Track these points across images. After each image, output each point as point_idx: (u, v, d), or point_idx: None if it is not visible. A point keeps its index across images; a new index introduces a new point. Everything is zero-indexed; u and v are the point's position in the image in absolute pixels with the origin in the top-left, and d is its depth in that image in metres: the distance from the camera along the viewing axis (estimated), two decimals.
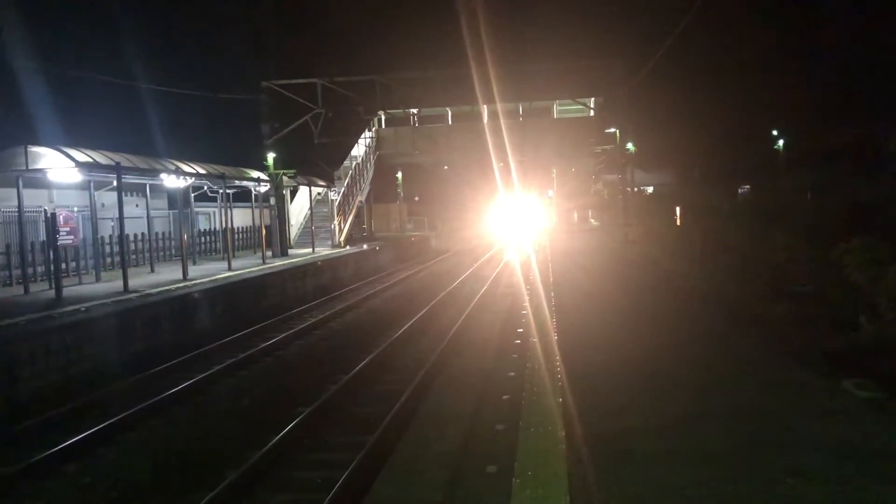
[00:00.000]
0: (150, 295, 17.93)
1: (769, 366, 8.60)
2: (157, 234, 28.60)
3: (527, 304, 15.53)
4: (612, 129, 41.22)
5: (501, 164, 45.23)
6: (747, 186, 45.06)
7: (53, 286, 18.20)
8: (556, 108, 47.58)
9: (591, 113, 43.95)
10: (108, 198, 25.39)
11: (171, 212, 31.17)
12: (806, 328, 10.82)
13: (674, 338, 10.47)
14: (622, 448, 5.87)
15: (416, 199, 54.82)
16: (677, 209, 25.35)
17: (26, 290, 19.12)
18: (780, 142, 57.91)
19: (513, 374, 8.57)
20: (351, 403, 11.35)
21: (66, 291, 18.10)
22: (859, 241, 8.98)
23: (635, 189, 47.07)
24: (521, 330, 11.93)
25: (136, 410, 11.18)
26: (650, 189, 57.70)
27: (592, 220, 54.90)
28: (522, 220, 54.00)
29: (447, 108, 44.62)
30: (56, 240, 18.17)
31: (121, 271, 19.78)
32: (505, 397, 7.53)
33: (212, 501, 7.47)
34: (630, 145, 40.97)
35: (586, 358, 9.24)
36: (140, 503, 7.96)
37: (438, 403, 8.23)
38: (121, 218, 19.54)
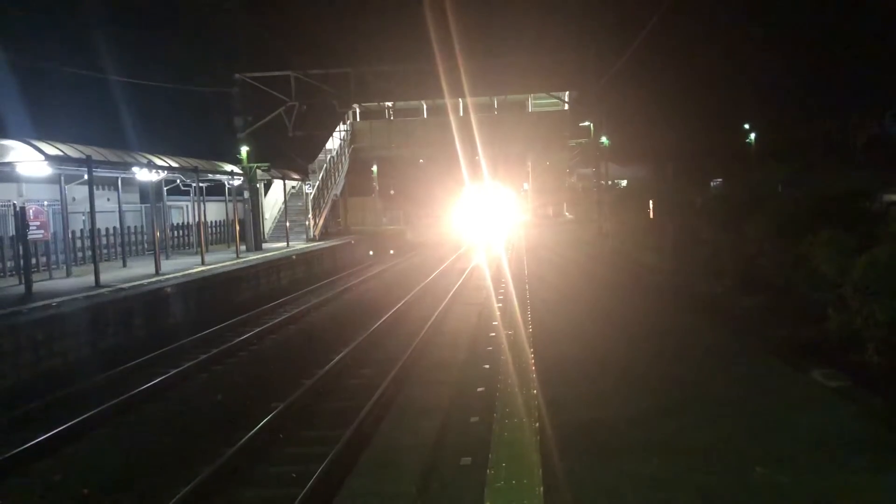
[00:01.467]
0: (122, 290, 17.73)
1: (740, 358, 8.72)
2: (129, 228, 28.24)
3: (502, 296, 15.58)
4: (586, 123, 41.41)
5: (477, 157, 45.27)
6: (720, 180, 45.55)
7: (23, 281, 17.92)
8: (531, 102, 47.72)
9: (566, 107, 44.14)
10: (79, 191, 25.02)
11: (143, 206, 30.79)
12: (776, 320, 10.98)
13: (646, 331, 10.58)
14: (595, 439, 5.93)
15: (392, 192, 54.64)
16: (650, 203, 25.53)
17: None
18: (752, 135, 58.58)
19: (487, 366, 8.60)
20: (325, 398, 11.32)
21: (37, 286, 17.86)
22: (826, 233, 9.13)
23: (609, 182, 47.32)
24: (495, 323, 11.97)
25: (108, 407, 11.05)
26: (624, 182, 58.06)
27: (567, 214, 55.14)
28: (498, 214, 54.10)
29: (422, 102, 44.55)
30: (26, 234, 17.88)
31: (92, 266, 19.53)
32: (479, 389, 7.55)
33: (185, 496, 7.41)
34: (604, 139, 41.18)
35: (559, 351, 9.32)
36: (110, 501, 7.86)
37: (414, 396, 8.23)
38: (92, 212, 19.28)
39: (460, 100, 43.86)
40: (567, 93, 43.54)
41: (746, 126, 58.73)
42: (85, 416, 10.56)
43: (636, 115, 48.83)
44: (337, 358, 13.33)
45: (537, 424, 6.24)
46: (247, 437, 9.12)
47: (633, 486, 4.97)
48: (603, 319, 11.80)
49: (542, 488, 4.91)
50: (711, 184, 44.73)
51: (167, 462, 8.88)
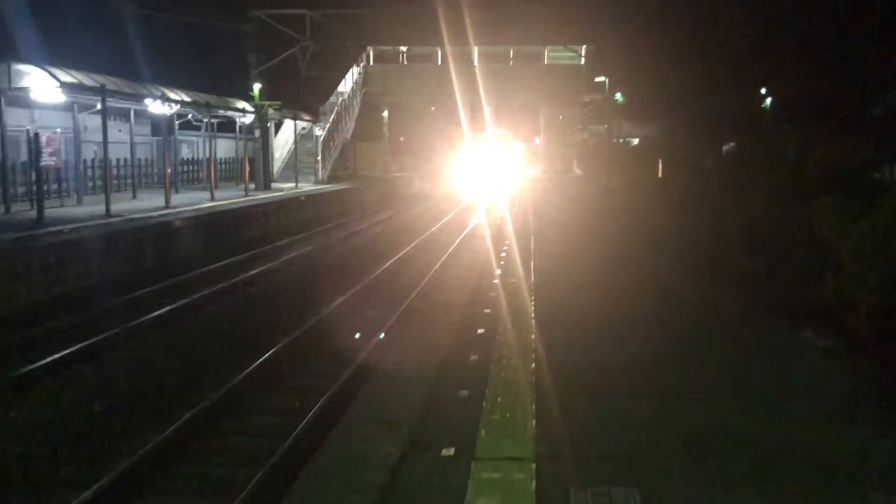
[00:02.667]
0: (132, 220, 18.00)
1: (736, 316, 8.96)
2: (139, 160, 28.40)
3: (506, 246, 15.79)
4: (602, 79, 41.05)
5: (490, 108, 45.04)
6: (733, 143, 45.21)
7: (35, 207, 18.16)
8: (548, 55, 47.21)
9: (582, 61, 43.73)
10: (91, 121, 25.07)
11: (154, 139, 30.86)
12: (775, 282, 11.16)
13: (645, 286, 10.82)
14: (588, 381, 6.20)
15: (402, 139, 54.45)
16: (659, 162, 25.53)
17: (7, 210, 19.09)
18: (768, 100, 57.95)
19: (488, 310, 8.86)
20: (328, 336, 11.61)
21: (48, 213, 18.10)
22: (829, 199, 9.27)
23: (621, 140, 47.11)
24: (498, 271, 12.20)
25: (119, 331, 11.37)
26: (636, 141, 57.73)
27: (577, 170, 55.00)
28: (508, 166, 53.96)
29: (437, 49, 44.15)
30: (39, 160, 18.08)
31: (102, 195, 19.76)
32: (480, 331, 7.82)
33: (189, 420, 7.72)
34: (618, 95, 40.88)
35: (558, 300, 9.56)
36: (121, 417, 8.19)
37: (416, 335, 8.50)
38: (104, 142, 19.45)
39: (475, 48, 43.46)
40: (584, 47, 43.08)
41: (763, 91, 58.09)
42: (95, 339, 10.88)
43: (652, 74, 48.27)
44: (341, 299, 13.60)
45: (533, 365, 6.51)
46: (253, 365, 9.42)
47: (621, 424, 5.25)
48: (604, 273, 12.03)
49: (534, 421, 5.18)
50: (724, 147, 44.49)
51: (176, 385, 9.21)
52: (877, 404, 5.59)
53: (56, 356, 9.97)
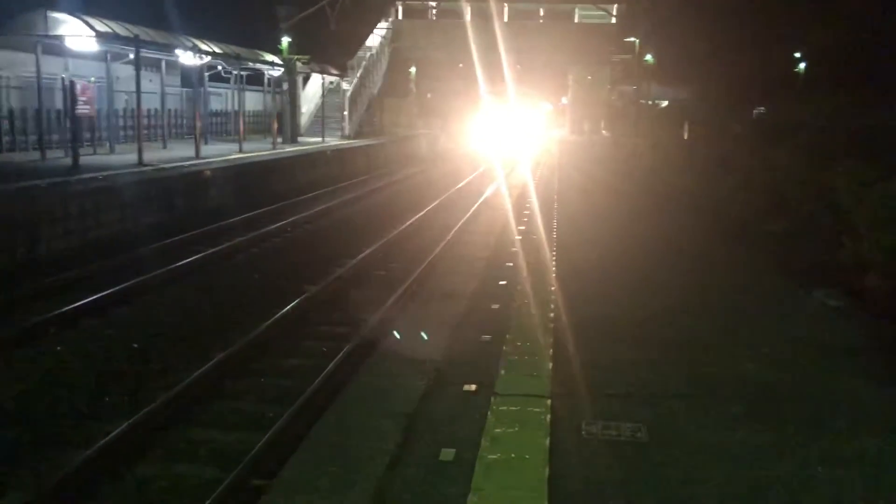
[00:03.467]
0: (163, 169, 18.39)
1: (753, 275, 9.20)
2: (169, 111, 28.75)
3: (529, 205, 15.99)
4: (632, 39, 40.59)
5: (519, 66, 44.71)
6: (762, 108, 44.62)
7: (70, 154, 18.60)
8: (578, 13, 46.68)
9: (613, 20, 43.21)
10: (123, 71, 25.40)
11: (183, 90, 31.19)
12: (795, 245, 11.34)
13: (665, 246, 11.05)
14: (604, 330, 6.51)
15: (429, 96, 54.29)
16: (685, 125, 25.45)
17: (43, 157, 19.55)
18: (802, 65, 56.90)
19: (510, 263, 9.15)
20: (355, 285, 11.98)
21: (83, 160, 18.48)
22: (849, 164, 9.39)
23: (650, 102, 46.74)
24: (521, 227, 12.45)
25: (152, 276, 11.81)
26: (665, 103, 57.10)
27: (604, 131, 54.66)
28: (535, 126, 53.72)
29: (467, 4, 43.78)
30: (75, 109, 18.46)
31: (134, 145, 20.16)
32: (502, 283, 8.12)
33: (227, 358, 8.13)
34: (649, 56, 40.47)
35: (579, 255, 9.84)
36: (157, 352, 8.63)
37: (441, 284, 8.80)
38: (137, 92, 19.78)
39: (505, 5, 43.06)
40: (615, 6, 42.53)
41: (797, 55, 57.01)
42: (131, 282, 11.34)
43: (683, 35, 47.61)
44: (368, 251, 13.92)
45: (552, 315, 6.81)
46: (280, 313, 9.80)
47: (633, 367, 5.56)
48: (626, 232, 12.27)
49: (551, 364, 5.50)
50: (754, 111, 43.97)
51: (208, 327, 9.64)
52: (878, 358, 5.84)
53: (95, 296, 10.43)
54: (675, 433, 4.48)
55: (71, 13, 19.45)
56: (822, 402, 5.03)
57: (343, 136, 36.95)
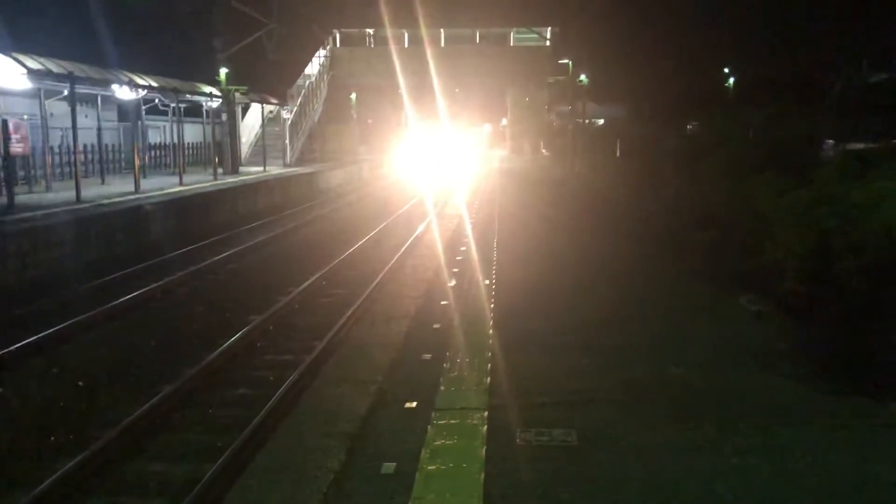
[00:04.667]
0: (102, 205, 18.23)
1: (679, 284, 9.67)
2: (106, 146, 28.43)
3: (470, 224, 16.35)
4: (566, 60, 41.63)
5: (457, 89, 45.40)
6: (696, 123, 46.02)
7: (5, 193, 18.30)
8: (514, 37, 47.68)
9: (547, 43, 44.25)
10: (58, 107, 25.09)
11: (120, 124, 30.88)
12: (721, 254, 11.90)
13: (598, 259, 11.51)
14: (538, 342, 6.82)
15: (370, 121, 54.63)
16: (617, 143, 26.27)
17: None
18: (731, 79, 59.00)
19: (453, 283, 9.43)
20: (301, 313, 12.09)
21: (18, 199, 18.21)
22: (767, 175, 9.95)
23: (587, 121, 47.84)
24: (462, 248, 12.76)
25: (95, 313, 11.73)
26: (601, 121, 58.52)
27: (544, 151, 55.69)
28: (475, 147, 54.45)
29: (404, 31, 44.37)
30: (8, 147, 18.18)
31: (70, 182, 19.92)
32: (443, 303, 8.38)
33: (169, 394, 8.18)
34: (582, 77, 41.54)
35: (517, 273, 10.18)
36: (103, 392, 8.62)
37: (385, 307, 9.02)
38: (74, 128, 19.57)
39: (442, 30, 43.78)
40: (549, 29, 43.61)
41: (726, 70, 59.10)
42: (74, 320, 11.24)
43: (616, 54, 49.03)
44: (312, 279, 14.02)
45: (490, 331, 7.10)
46: (227, 343, 9.87)
47: (565, 375, 5.87)
48: (563, 248, 12.69)
49: (489, 378, 5.77)
50: (688, 127, 45.38)
51: (154, 361, 9.64)
52: (793, 358, 6.28)
53: (36, 336, 10.33)
54: (602, 436, 4.78)
55: (2, 51, 19.21)
56: (739, 400, 5.42)
57: (285, 164, 36.95)
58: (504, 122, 63.98)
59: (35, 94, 22.11)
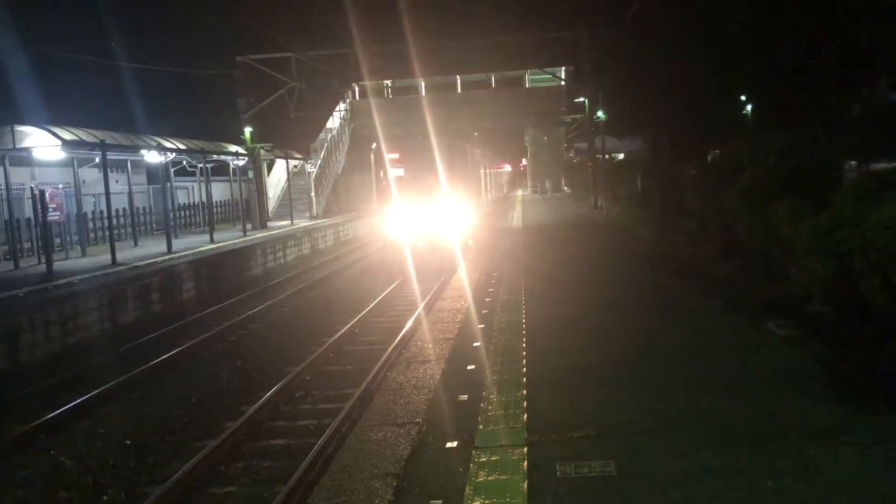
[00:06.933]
0: (138, 267, 18.72)
1: (707, 313, 9.79)
2: (137, 209, 29.23)
3: (496, 273, 16.53)
4: (582, 99, 42.13)
5: (475, 133, 45.99)
6: (717, 151, 46.08)
7: (44, 261, 18.89)
8: (528, 78, 48.42)
9: (562, 83, 44.86)
10: (89, 174, 25.98)
11: (150, 187, 31.76)
12: (748, 281, 12.01)
13: (628, 292, 11.64)
14: (572, 377, 6.98)
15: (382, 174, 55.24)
16: (638, 178, 26.50)
17: (16, 266, 19.79)
18: (749, 107, 59.18)
19: (486, 311, 9.61)
20: (336, 361, 12.35)
21: (56, 266, 18.80)
22: (788, 201, 10.09)
23: (607, 156, 48.13)
24: (491, 289, 12.97)
25: (138, 373, 12.07)
26: (621, 156, 58.83)
27: (565, 188, 56.05)
28: (498, 187, 54.86)
29: (420, 80, 45.26)
30: (46, 216, 18.82)
31: (105, 246, 20.53)
32: (476, 345, 8.56)
33: (220, 445, 8.42)
34: (600, 113, 41.96)
35: (548, 310, 10.35)
36: (151, 450, 8.88)
37: (415, 351, 9.21)
38: (107, 194, 20.21)
39: (458, 77, 44.61)
40: (563, 69, 44.25)
41: (743, 98, 59.34)
42: (117, 380, 11.57)
43: (632, 88, 49.51)
44: (345, 328, 14.26)
45: (525, 369, 7.28)
46: (265, 397, 10.12)
47: (600, 407, 6.02)
48: (588, 281, 12.85)
49: (526, 415, 5.95)
50: (709, 156, 45.48)
51: (199, 417, 9.91)
52: (824, 379, 6.38)
53: (83, 398, 10.68)
54: (640, 465, 4.92)
55: (37, 125, 20.03)
56: (772, 423, 5.53)
57: (311, 217, 37.60)
58: (524, 161, 64.56)
59: (69, 163, 22.93)
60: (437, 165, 20.24)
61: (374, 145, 47.98)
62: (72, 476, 8.09)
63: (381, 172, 21.78)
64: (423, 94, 46.32)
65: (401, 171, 21.35)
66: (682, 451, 5.10)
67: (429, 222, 20.61)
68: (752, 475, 4.67)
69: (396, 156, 21.66)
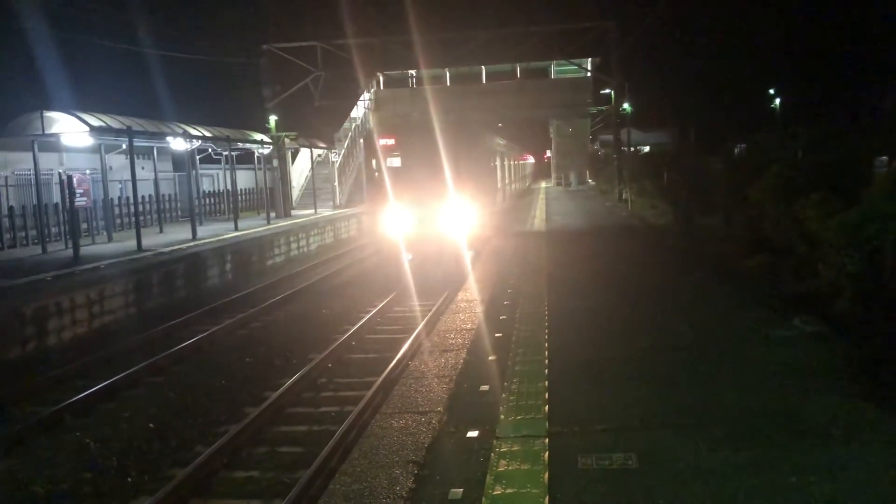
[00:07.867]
0: (163, 253, 18.91)
1: (733, 309, 9.68)
2: (163, 195, 29.47)
3: (522, 255, 16.49)
4: (608, 90, 41.80)
5: (499, 124, 45.82)
6: (744, 145, 45.65)
7: (70, 245, 19.14)
8: (554, 69, 48.09)
9: (588, 74, 44.50)
10: (116, 161, 26.24)
11: (175, 174, 32.03)
12: (774, 277, 11.88)
13: (654, 288, 11.53)
14: (591, 371, 6.94)
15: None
16: (664, 172, 26.28)
17: (44, 250, 20.08)
18: (777, 100, 58.43)
19: (507, 302, 9.59)
20: (356, 349, 12.40)
21: (83, 251, 19.04)
22: (817, 196, 9.95)
23: (632, 149, 47.78)
24: (512, 281, 12.93)
25: (162, 356, 12.21)
26: (647, 148, 58.36)
27: (590, 181, 55.73)
28: (519, 179, 54.62)
29: (445, 70, 45.15)
30: (74, 201, 19.04)
31: (130, 231, 20.75)
32: (502, 317, 8.55)
33: (243, 429, 8.50)
34: (626, 105, 41.60)
35: (572, 304, 10.30)
36: (171, 431, 8.98)
37: (437, 341, 9.22)
38: (133, 180, 20.43)
39: (483, 67, 44.43)
40: (589, 59, 43.88)
41: (772, 91, 58.61)
42: (142, 364, 11.72)
43: (659, 81, 49.10)
44: (363, 320, 14.27)
45: (546, 361, 7.26)
46: (290, 381, 10.21)
47: (622, 401, 5.99)
48: (613, 277, 12.76)
49: (547, 406, 5.93)
50: (735, 150, 45.02)
51: (222, 400, 10.01)
52: (850, 376, 6.29)
53: (109, 380, 10.82)
54: (661, 458, 4.88)
55: (65, 111, 20.25)
56: (796, 419, 5.46)
57: (335, 206, 37.71)
58: (549, 153, 64.29)
59: (96, 149, 23.17)
60: (441, 153, 17.13)
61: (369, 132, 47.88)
62: (97, 458, 8.19)
63: (374, 161, 18.21)
64: (448, 83, 46.19)
65: (397, 161, 17.89)
66: (705, 445, 5.06)
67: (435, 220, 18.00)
68: (775, 471, 4.62)
69: (392, 141, 18.25)
